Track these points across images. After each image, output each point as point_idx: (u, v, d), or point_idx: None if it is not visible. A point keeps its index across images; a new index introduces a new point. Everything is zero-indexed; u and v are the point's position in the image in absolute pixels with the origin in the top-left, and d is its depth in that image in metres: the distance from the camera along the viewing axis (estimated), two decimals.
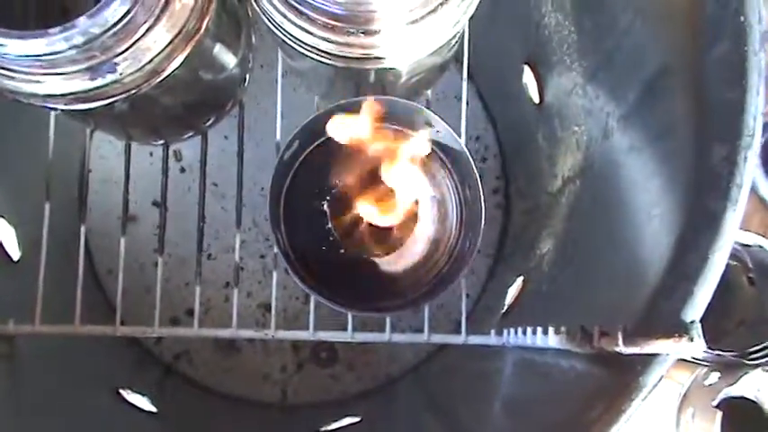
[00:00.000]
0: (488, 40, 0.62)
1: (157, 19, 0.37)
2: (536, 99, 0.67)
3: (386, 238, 0.50)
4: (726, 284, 0.37)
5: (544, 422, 0.45)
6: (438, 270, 0.51)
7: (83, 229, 0.54)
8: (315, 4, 0.38)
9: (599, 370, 0.40)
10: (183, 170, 0.78)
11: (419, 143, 0.46)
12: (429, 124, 0.49)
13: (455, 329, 0.52)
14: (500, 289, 0.72)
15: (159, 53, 0.38)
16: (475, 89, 0.80)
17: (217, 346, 0.78)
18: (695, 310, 0.35)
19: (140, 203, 0.77)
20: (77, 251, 0.53)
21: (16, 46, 0.35)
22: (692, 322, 0.34)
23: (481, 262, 0.79)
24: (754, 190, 0.36)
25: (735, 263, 0.63)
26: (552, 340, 0.42)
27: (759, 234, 0.64)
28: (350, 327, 0.52)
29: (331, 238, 0.50)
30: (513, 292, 0.69)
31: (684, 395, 0.66)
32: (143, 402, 0.67)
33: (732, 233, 0.35)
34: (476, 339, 0.52)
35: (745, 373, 0.61)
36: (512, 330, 0.50)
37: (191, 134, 0.55)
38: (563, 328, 0.41)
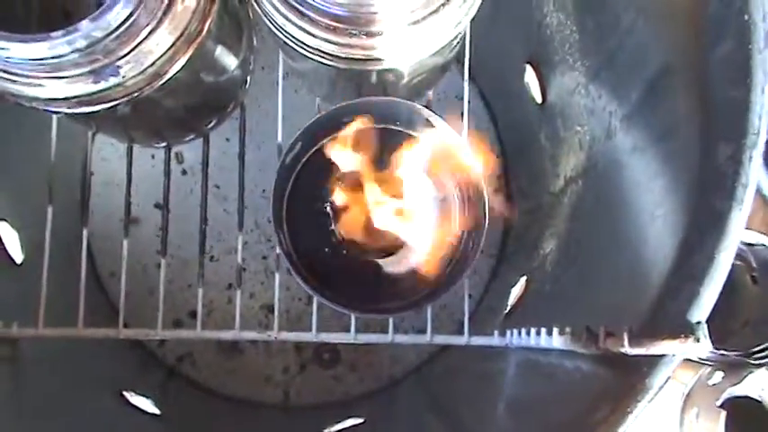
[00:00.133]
0: (490, 39, 0.62)
1: (160, 22, 0.37)
2: (538, 99, 0.66)
3: (388, 240, 0.50)
4: (730, 284, 0.37)
5: (549, 423, 0.45)
6: (441, 271, 0.51)
7: (85, 232, 0.54)
8: (316, 5, 0.38)
9: (604, 371, 0.40)
10: (184, 172, 0.78)
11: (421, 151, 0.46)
12: (431, 125, 0.49)
13: (458, 330, 0.52)
14: (503, 289, 0.72)
15: (161, 56, 0.38)
16: (476, 89, 0.80)
17: (219, 348, 0.78)
18: (701, 310, 0.35)
19: (142, 206, 0.77)
20: (80, 254, 0.52)
21: (19, 50, 0.35)
22: (698, 323, 0.34)
23: (483, 262, 0.79)
24: (757, 188, 0.36)
25: (738, 262, 0.63)
26: (557, 341, 0.42)
27: (762, 233, 0.64)
28: (353, 328, 0.52)
29: (334, 240, 0.50)
30: (516, 292, 0.69)
31: (688, 395, 0.66)
32: (146, 405, 0.67)
33: (738, 233, 0.35)
34: (479, 340, 0.52)
35: (750, 373, 0.61)
36: (515, 331, 0.50)
37: (192, 136, 0.55)
38: (567, 329, 0.41)
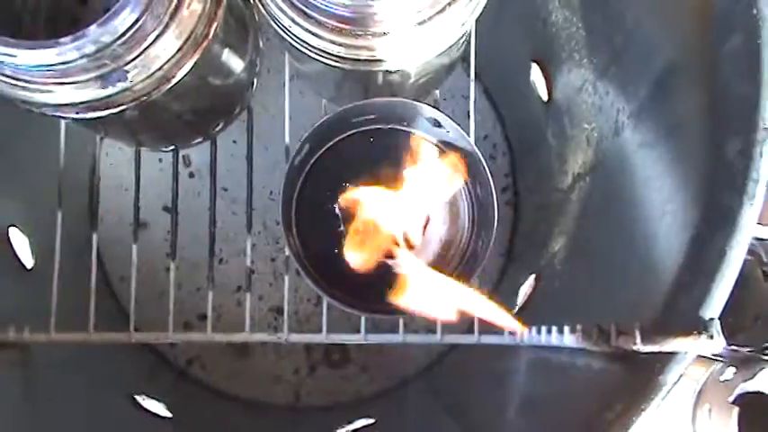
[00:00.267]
0: (495, 38, 0.61)
1: (166, 26, 0.37)
2: (545, 97, 0.66)
3: (398, 240, 0.50)
4: (741, 279, 0.37)
5: (561, 422, 0.45)
6: (451, 270, 0.50)
7: (95, 236, 0.54)
8: (322, 7, 0.38)
9: (616, 368, 0.39)
10: (192, 175, 0.78)
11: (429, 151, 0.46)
12: (438, 124, 0.49)
13: (468, 329, 0.52)
14: (512, 288, 0.72)
15: (168, 60, 0.38)
16: (482, 88, 0.80)
17: (229, 350, 0.78)
18: (714, 307, 0.35)
19: (151, 210, 0.77)
20: (90, 259, 0.53)
21: (27, 56, 0.35)
22: (711, 319, 0.34)
23: (492, 261, 0.79)
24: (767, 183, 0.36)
25: (749, 257, 0.62)
26: (568, 339, 0.42)
27: None
28: (363, 328, 0.52)
29: (343, 241, 0.50)
30: (525, 290, 0.69)
31: (700, 391, 0.65)
32: (158, 408, 0.67)
33: (749, 228, 0.35)
34: (489, 339, 0.52)
35: (762, 369, 0.60)
36: (525, 329, 0.50)
37: (200, 139, 0.55)
38: (579, 327, 0.41)
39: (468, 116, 0.52)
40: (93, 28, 0.35)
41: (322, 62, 0.42)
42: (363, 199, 0.46)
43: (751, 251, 0.62)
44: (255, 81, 0.55)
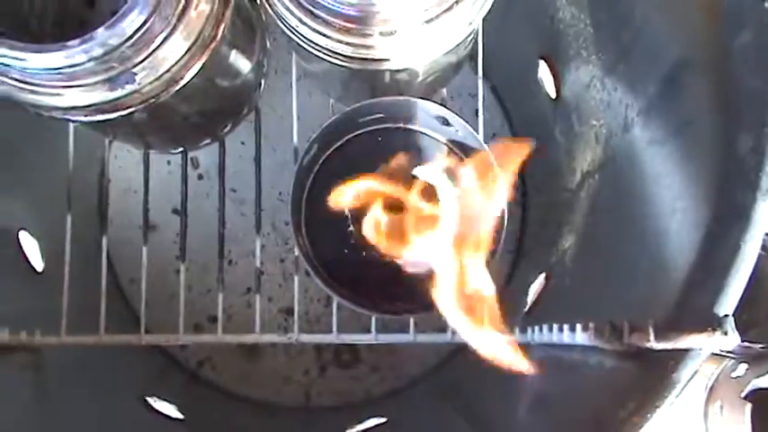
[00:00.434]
0: (503, 36, 0.61)
1: (174, 28, 0.37)
2: (552, 94, 0.66)
3: (408, 239, 0.50)
4: (753, 274, 0.36)
5: (573, 420, 0.44)
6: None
7: (104, 239, 0.54)
8: (329, 6, 0.38)
9: (629, 366, 0.39)
10: (200, 177, 0.78)
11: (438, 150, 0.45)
12: (447, 123, 0.49)
13: None
14: (522, 286, 0.72)
15: (176, 62, 0.38)
16: (490, 86, 0.80)
17: (239, 351, 0.78)
18: (728, 303, 0.34)
19: (160, 212, 0.77)
20: (100, 261, 0.53)
21: (36, 60, 0.35)
22: (725, 316, 0.34)
23: (502, 259, 0.78)
24: None
25: (762, 252, 0.62)
26: (580, 337, 0.42)
27: None
28: (373, 328, 0.52)
29: (353, 241, 0.50)
30: (535, 288, 0.68)
31: (712, 388, 0.65)
32: (170, 410, 0.67)
33: (763, 224, 0.34)
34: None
35: None
36: (536, 328, 0.49)
37: (208, 141, 0.56)
38: (591, 325, 0.40)
39: (477, 114, 0.52)
40: (100, 30, 0.35)
41: (329, 62, 0.42)
42: (373, 194, 0.46)
43: (764, 247, 0.62)
44: (263, 82, 0.55)
